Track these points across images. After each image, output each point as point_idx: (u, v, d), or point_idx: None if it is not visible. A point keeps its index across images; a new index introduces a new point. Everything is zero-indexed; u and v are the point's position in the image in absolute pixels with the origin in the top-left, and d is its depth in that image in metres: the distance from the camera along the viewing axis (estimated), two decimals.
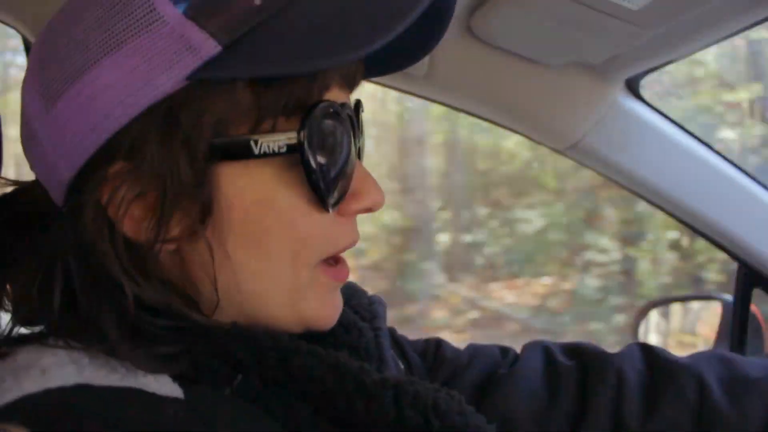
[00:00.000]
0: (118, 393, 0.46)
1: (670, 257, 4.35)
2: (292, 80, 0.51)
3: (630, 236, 4.47)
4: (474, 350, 0.83)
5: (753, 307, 1.35)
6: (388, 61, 0.61)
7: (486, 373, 0.80)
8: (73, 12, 0.52)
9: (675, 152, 1.13)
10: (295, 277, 0.55)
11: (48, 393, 0.44)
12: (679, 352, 0.80)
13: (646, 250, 4.40)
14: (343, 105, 0.55)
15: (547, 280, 4.77)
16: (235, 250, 0.53)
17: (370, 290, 0.75)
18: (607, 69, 1.03)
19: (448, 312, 4.61)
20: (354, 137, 0.56)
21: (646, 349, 0.78)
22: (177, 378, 0.50)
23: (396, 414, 0.50)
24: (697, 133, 1.15)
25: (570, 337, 4.41)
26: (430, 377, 0.79)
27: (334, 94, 0.55)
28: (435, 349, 0.83)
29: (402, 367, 0.76)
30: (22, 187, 0.60)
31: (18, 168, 0.71)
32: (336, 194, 0.54)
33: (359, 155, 0.60)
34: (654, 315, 1.56)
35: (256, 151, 0.51)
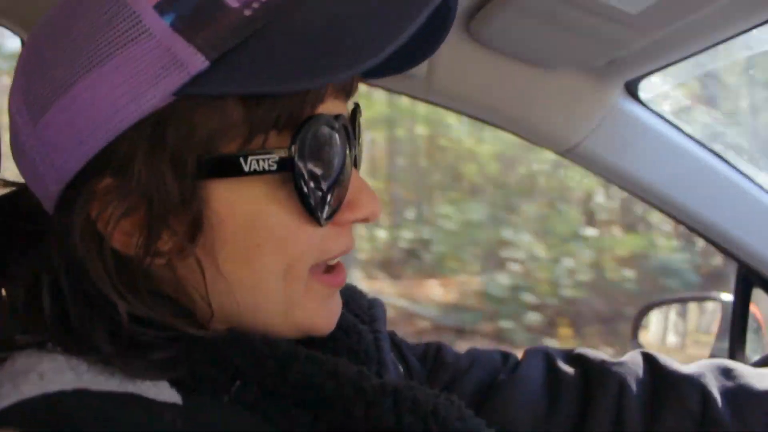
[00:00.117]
0: (117, 398, 0.46)
1: (588, 255, 4.33)
2: (285, 95, 0.49)
3: (548, 234, 4.44)
4: (474, 355, 0.83)
5: (752, 307, 1.35)
6: (386, 65, 0.60)
7: (486, 378, 0.79)
8: (59, 22, 0.51)
9: (674, 154, 1.13)
10: (289, 290, 0.54)
11: (46, 398, 0.44)
12: (697, 351, 0.79)
13: (562, 249, 4.36)
14: (338, 117, 0.53)
15: (462, 277, 4.74)
16: (226, 266, 0.52)
17: None
18: (606, 72, 1.04)
19: None
20: (349, 147, 0.55)
21: (649, 358, 0.77)
22: (175, 384, 0.50)
23: (395, 420, 0.50)
24: (696, 136, 1.15)
25: (479, 335, 4.38)
26: (430, 382, 0.79)
27: (329, 106, 0.53)
28: (435, 353, 0.83)
29: (401, 370, 0.76)
30: (19, 190, 0.59)
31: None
32: (329, 208, 0.53)
33: (355, 164, 0.58)
34: (672, 315, 1.56)
35: (246, 169, 0.49)
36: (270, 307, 0.55)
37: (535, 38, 0.95)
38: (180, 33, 0.47)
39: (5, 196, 0.60)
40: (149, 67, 0.47)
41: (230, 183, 0.50)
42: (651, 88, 1.11)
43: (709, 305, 1.58)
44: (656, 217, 4.37)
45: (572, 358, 0.80)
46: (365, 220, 0.57)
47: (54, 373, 0.47)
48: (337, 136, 0.53)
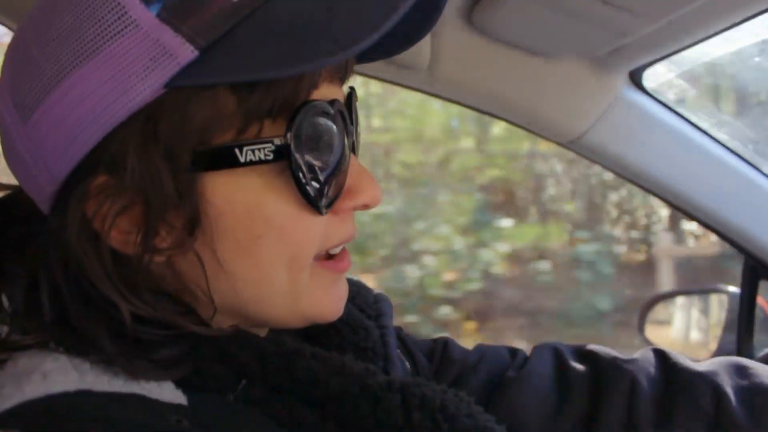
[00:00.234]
0: (121, 399, 0.46)
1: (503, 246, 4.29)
2: (278, 81, 0.48)
3: (461, 225, 4.40)
4: (482, 351, 0.81)
5: (760, 299, 1.35)
6: (380, 48, 0.57)
7: (494, 374, 0.78)
8: (44, 18, 0.50)
9: (680, 144, 1.12)
10: (293, 280, 0.53)
11: (49, 399, 0.44)
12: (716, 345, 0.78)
13: (476, 240, 4.32)
14: (333, 102, 0.52)
15: (370, 271, 4.71)
16: (227, 259, 0.51)
17: None
18: (610, 61, 1.03)
19: None
20: (347, 133, 0.54)
21: (661, 355, 0.76)
22: (180, 384, 0.49)
23: (404, 417, 0.49)
24: (701, 125, 1.14)
25: None
26: (437, 378, 0.78)
27: (324, 91, 0.52)
28: (442, 349, 0.82)
29: (408, 366, 0.75)
30: (13, 192, 0.58)
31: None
32: (329, 196, 0.52)
33: (353, 150, 0.57)
34: (694, 311, 1.54)
35: (242, 159, 0.48)
36: (276, 298, 0.54)
37: (538, 27, 0.94)
38: (167, 23, 0.46)
39: (0, 199, 0.59)
40: (137, 59, 0.46)
41: (227, 174, 0.49)
42: (655, 77, 1.10)
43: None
44: (570, 207, 4.33)
45: (582, 354, 0.78)
46: (366, 207, 0.56)
47: (57, 374, 0.46)
48: (333, 121, 0.52)
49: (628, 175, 1.17)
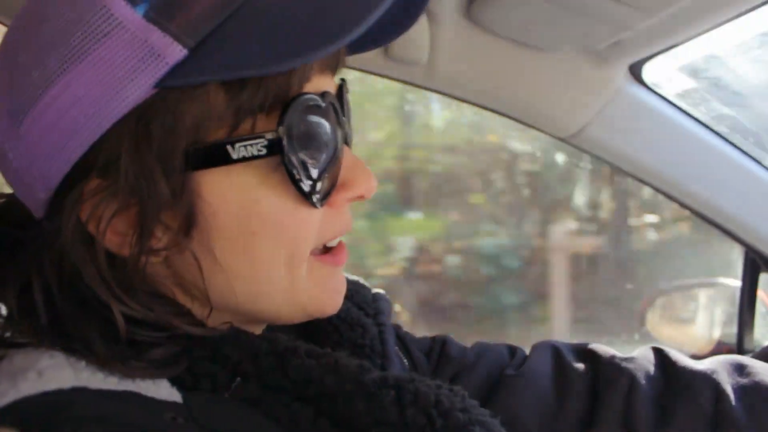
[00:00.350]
0: (116, 396, 0.45)
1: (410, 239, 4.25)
2: (268, 76, 0.48)
3: (364, 216, 4.36)
4: (481, 349, 0.81)
5: (760, 293, 1.34)
6: (371, 37, 0.58)
7: (493, 372, 0.78)
8: (30, 24, 0.50)
9: (680, 138, 1.12)
10: (291, 275, 0.53)
11: (44, 395, 0.44)
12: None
13: (381, 231, 4.28)
14: (324, 94, 0.52)
15: None
16: (224, 257, 0.51)
17: None
18: (609, 55, 1.02)
19: None
20: (339, 125, 0.53)
21: (661, 354, 0.76)
22: (175, 382, 0.49)
23: (398, 413, 0.49)
24: (702, 119, 1.13)
25: None
26: (435, 376, 0.78)
27: (315, 84, 0.52)
28: (440, 347, 0.81)
29: (406, 364, 0.75)
30: (8, 201, 0.58)
31: None
32: (324, 190, 0.52)
33: (347, 141, 0.57)
34: (694, 305, 1.54)
35: (235, 156, 0.48)
36: (274, 294, 0.54)
37: (537, 21, 0.94)
38: (154, 23, 0.46)
39: None
40: (126, 61, 0.46)
41: (220, 172, 0.49)
42: (655, 71, 1.10)
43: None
44: (478, 199, 4.27)
45: (581, 353, 0.78)
46: (361, 198, 0.56)
47: (52, 371, 0.46)
48: (325, 113, 0.52)
49: (628, 169, 1.16)
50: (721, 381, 0.71)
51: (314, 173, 0.51)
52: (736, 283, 1.37)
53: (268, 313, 0.55)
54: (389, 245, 4.19)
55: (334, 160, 0.53)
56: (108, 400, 0.45)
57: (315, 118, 0.51)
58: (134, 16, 0.45)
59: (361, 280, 0.78)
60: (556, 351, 0.79)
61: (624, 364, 0.74)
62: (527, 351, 0.82)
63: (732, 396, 0.69)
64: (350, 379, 0.50)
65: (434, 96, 1.07)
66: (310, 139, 0.51)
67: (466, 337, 0.85)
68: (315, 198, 0.51)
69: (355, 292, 0.73)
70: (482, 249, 4.05)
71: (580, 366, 0.76)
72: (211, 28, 0.47)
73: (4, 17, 1.04)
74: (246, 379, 0.50)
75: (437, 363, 0.80)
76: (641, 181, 1.18)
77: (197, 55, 0.46)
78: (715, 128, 1.14)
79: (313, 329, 0.68)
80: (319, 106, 0.51)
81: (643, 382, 0.72)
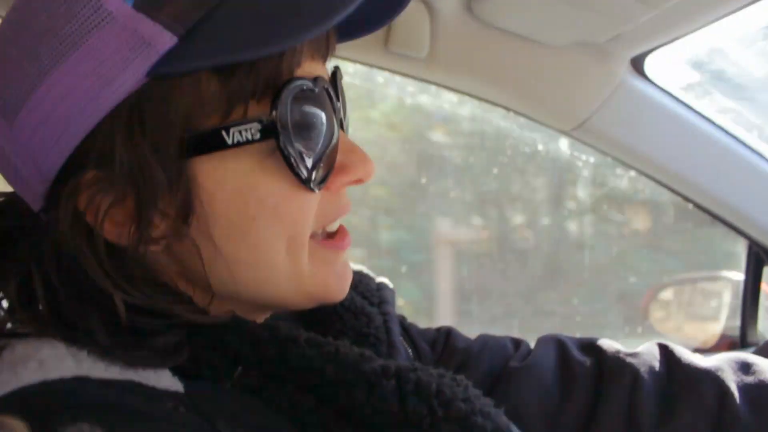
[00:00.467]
0: (117, 386, 0.46)
1: None
2: (259, 61, 0.48)
3: None
4: (485, 341, 0.81)
5: (764, 286, 1.34)
6: (362, 23, 0.58)
7: (497, 365, 0.77)
8: (21, 18, 0.50)
9: (682, 130, 1.11)
10: (294, 261, 0.53)
11: (45, 385, 0.44)
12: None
13: None
14: (317, 79, 0.52)
15: None
16: (224, 244, 0.51)
17: None
18: (611, 48, 1.02)
19: None
20: (333, 110, 0.53)
21: (666, 350, 0.75)
22: (177, 372, 0.49)
23: (398, 403, 0.49)
24: (705, 112, 1.13)
25: None
26: (439, 366, 0.77)
27: (307, 68, 0.52)
28: (445, 338, 0.81)
29: (411, 353, 0.75)
30: (7, 199, 0.58)
31: None
32: (320, 173, 0.52)
33: (342, 127, 0.56)
34: (698, 298, 1.53)
35: (230, 141, 0.48)
36: (277, 280, 0.54)
37: (539, 14, 0.93)
38: (144, 12, 0.46)
39: None
40: (117, 51, 0.46)
41: (216, 158, 0.49)
42: (658, 64, 1.09)
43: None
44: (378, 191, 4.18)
45: (586, 347, 0.77)
46: (358, 182, 0.56)
47: (54, 360, 0.46)
48: (318, 97, 0.52)
49: (632, 163, 1.16)
50: (726, 379, 0.70)
51: (310, 157, 0.51)
52: (740, 276, 1.37)
53: (273, 300, 0.55)
54: None
55: (329, 144, 0.53)
56: (109, 389, 0.45)
57: (308, 102, 0.51)
58: (124, 6, 0.46)
59: (365, 270, 0.78)
60: (560, 344, 0.78)
61: (628, 359, 0.73)
62: (532, 344, 0.82)
63: (737, 393, 0.68)
64: (351, 369, 0.50)
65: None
66: (304, 123, 0.51)
67: None
68: (312, 181, 0.51)
69: (358, 282, 0.73)
70: (383, 242, 4.01)
71: (585, 360, 0.75)
72: (201, 15, 0.47)
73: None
74: (247, 368, 0.50)
75: (441, 354, 0.80)
76: (644, 174, 1.18)
77: (187, 43, 0.46)
78: (718, 121, 1.13)
79: (318, 318, 0.68)
80: (312, 90, 0.51)
81: (648, 377, 0.71)
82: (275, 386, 0.50)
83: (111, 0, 0.46)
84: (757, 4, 0.87)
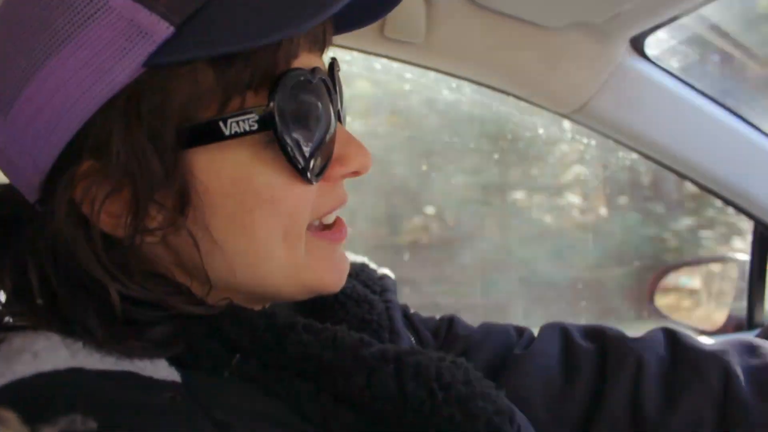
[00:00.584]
0: (113, 377, 0.45)
1: None
2: (256, 52, 0.48)
3: None
4: (488, 329, 0.81)
5: None
6: (358, 14, 0.57)
7: (500, 352, 0.77)
8: (13, 13, 0.49)
9: (684, 111, 1.10)
10: (291, 252, 0.53)
11: (39, 376, 0.43)
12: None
13: None
14: (314, 70, 0.52)
15: None
16: (221, 235, 0.51)
17: None
18: (610, 28, 1.01)
19: None
20: (331, 101, 0.53)
21: (670, 335, 0.74)
22: (174, 362, 0.49)
23: (397, 387, 0.49)
24: (706, 91, 1.12)
25: None
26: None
27: (304, 60, 0.52)
28: (447, 326, 0.81)
29: (413, 340, 0.75)
30: (2, 191, 0.57)
31: None
32: (318, 165, 0.52)
33: (339, 118, 0.57)
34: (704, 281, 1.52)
35: (227, 132, 0.48)
36: (276, 271, 0.54)
37: None
38: (140, 2, 0.45)
39: None
40: (112, 41, 0.45)
41: (212, 149, 0.49)
42: (657, 44, 1.08)
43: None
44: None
45: (590, 333, 0.77)
46: (355, 174, 0.56)
47: (48, 352, 0.45)
48: (315, 89, 0.52)
49: (632, 144, 1.15)
50: (732, 362, 0.69)
51: (307, 148, 0.51)
52: (746, 257, 1.36)
53: (270, 291, 0.55)
54: None
55: (326, 135, 0.52)
56: (104, 381, 0.45)
57: (305, 93, 0.51)
58: None
59: (367, 261, 0.78)
60: (564, 331, 0.78)
61: (632, 344, 0.73)
62: (535, 332, 0.81)
63: (742, 377, 0.68)
64: (349, 354, 0.50)
65: None
66: (301, 114, 0.50)
67: None
68: (309, 172, 0.51)
69: (360, 271, 0.73)
70: None
71: (589, 346, 0.75)
72: (198, 5, 0.47)
73: None
74: (245, 356, 0.50)
75: (444, 341, 0.80)
76: (646, 156, 1.17)
77: (184, 33, 0.46)
78: (721, 101, 1.12)
79: (320, 306, 0.68)
80: (309, 81, 0.51)
81: (652, 362, 0.71)
82: (273, 374, 0.50)
83: None
84: None
